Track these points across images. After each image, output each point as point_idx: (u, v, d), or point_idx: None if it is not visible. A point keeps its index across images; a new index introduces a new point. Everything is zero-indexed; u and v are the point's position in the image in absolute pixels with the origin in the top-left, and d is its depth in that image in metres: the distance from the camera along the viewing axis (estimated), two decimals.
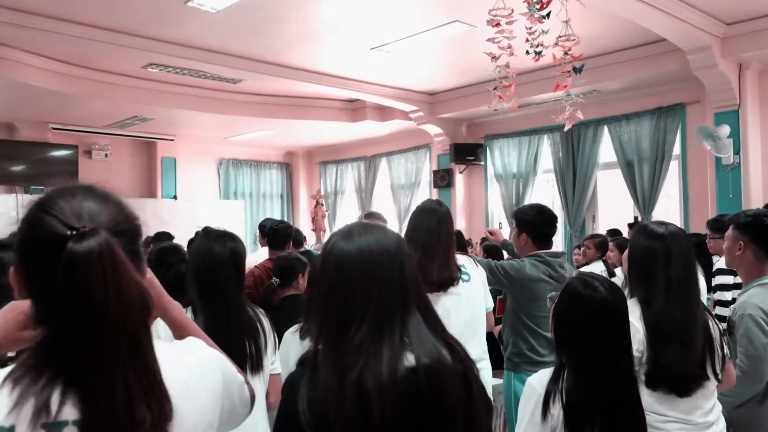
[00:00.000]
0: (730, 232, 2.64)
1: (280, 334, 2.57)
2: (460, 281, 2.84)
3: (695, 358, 2.05)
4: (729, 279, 4.00)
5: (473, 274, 2.96)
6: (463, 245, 5.34)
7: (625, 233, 6.63)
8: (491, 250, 5.57)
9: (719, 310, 3.85)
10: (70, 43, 6.27)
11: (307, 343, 2.25)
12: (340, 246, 1.30)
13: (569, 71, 4.74)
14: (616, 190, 8.23)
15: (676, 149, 7.63)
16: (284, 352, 2.54)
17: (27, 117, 9.08)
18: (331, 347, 1.23)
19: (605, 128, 8.17)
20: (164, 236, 5.88)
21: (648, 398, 2.04)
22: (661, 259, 2.13)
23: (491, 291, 3.19)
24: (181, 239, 5.10)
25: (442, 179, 9.84)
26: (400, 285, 1.27)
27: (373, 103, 9.32)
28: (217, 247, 2.28)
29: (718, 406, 2.18)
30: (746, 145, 6.61)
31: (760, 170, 6.77)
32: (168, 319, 1.31)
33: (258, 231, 4.97)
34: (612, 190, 8.40)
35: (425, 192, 10.47)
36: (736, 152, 6.56)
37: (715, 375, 2.10)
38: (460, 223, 9.34)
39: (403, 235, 2.43)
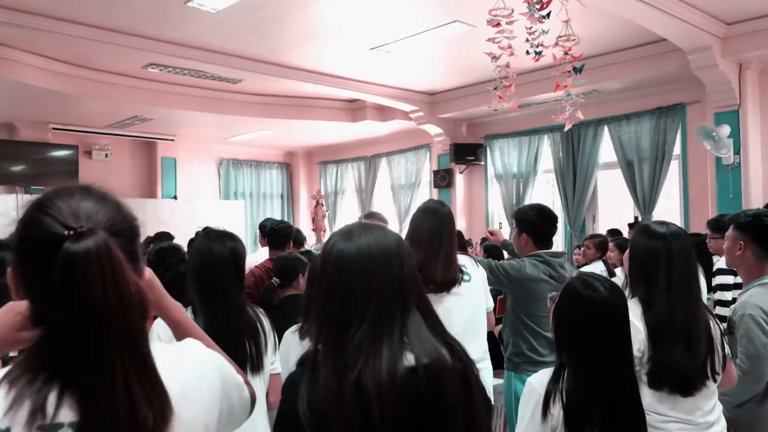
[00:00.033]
0: (730, 232, 2.64)
1: (280, 334, 2.57)
2: (462, 281, 2.84)
3: (699, 358, 2.05)
4: (729, 279, 4.00)
5: (474, 274, 2.96)
6: (464, 245, 5.35)
7: (626, 233, 6.64)
8: (491, 250, 5.58)
9: (719, 310, 3.84)
10: (70, 43, 6.27)
11: (306, 343, 2.25)
12: (340, 246, 1.30)
13: (569, 71, 4.74)
14: (617, 190, 8.23)
15: (677, 149, 7.63)
16: (284, 352, 2.54)
17: (27, 117, 9.08)
18: (331, 347, 1.23)
19: (605, 128, 8.17)
20: (164, 236, 5.88)
21: (649, 398, 2.04)
22: (663, 259, 2.13)
23: (491, 291, 3.19)
24: (182, 239, 5.11)
25: (443, 179, 9.84)
26: (400, 285, 1.27)
27: (373, 103, 9.32)
28: (217, 247, 2.28)
29: (719, 406, 2.18)
30: (746, 145, 6.61)
31: (761, 170, 6.77)
32: (169, 319, 1.31)
33: (258, 231, 4.97)
34: (612, 190, 8.40)
35: (425, 192, 10.47)
36: (737, 152, 6.56)
37: (714, 374, 2.10)
38: (460, 223, 9.33)
39: (404, 235, 2.43)
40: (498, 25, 4.36)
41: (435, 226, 2.80)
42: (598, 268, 5.70)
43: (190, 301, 2.24)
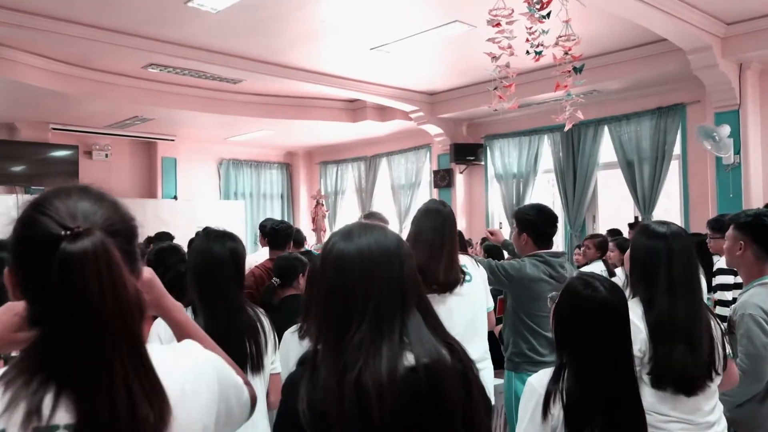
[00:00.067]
0: (730, 231, 2.64)
1: (280, 334, 2.57)
2: (463, 282, 2.85)
3: (702, 358, 2.06)
4: (729, 279, 4.00)
5: (474, 274, 2.96)
6: (464, 245, 5.35)
7: (626, 233, 6.64)
8: (492, 250, 5.58)
9: (720, 310, 3.84)
10: (70, 43, 6.27)
11: (306, 343, 2.25)
12: (340, 246, 1.30)
13: (569, 71, 4.74)
14: (617, 190, 8.23)
15: (677, 149, 7.63)
16: (284, 352, 2.54)
17: (27, 117, 9.09)
18: (331, 347, 1.23)
19: (605, 128, 8.17)
20: (164, 236, 5.89)
21: (650, 398, 2.04)
22: (663, 259, 2.13)
23: (492, 291, 3.19)
24: (182, 239, 5.11)
25: (443, 179, 9.84)
26: (400, 285, 1.27)
27: (373, 103, 9.31)
28: (217, 247, 2.28)
29: (720, 406, 2.18)
30: (746, 144, 6.61)
31: (761, 170, 6.77)
32: (170, 320, 1.31)
33: (258, 231, 4.97)
34: (612, 190, 8.40)
35: (425, 192, 10.47)
36: (737, 152, 6.56)
37: (714, 374, 2.10)
38: (460, 224, 9.28)
39: (405, 235, 2.43)
40: (498, 25, 4.36)
41: (437, 227, 2.80)
42: (598, 268, 5.70)
43: (190, 301, 2.24)
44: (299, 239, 5.16)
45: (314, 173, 12.70)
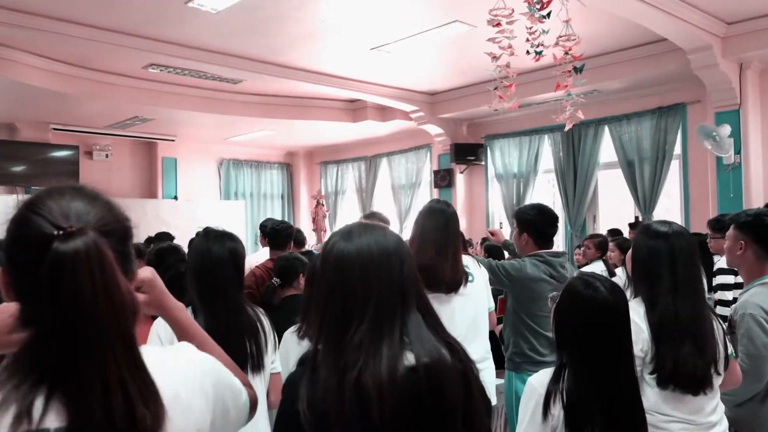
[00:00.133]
0: (731, 231, 2.64)
1: (280, 334, 2.57)
2: (466, 282, 2.85)
3: (708, 357, 2.06)
4: (730, 279, 4.00)
5: (477, 274, 2.97)
6: (464, 246, 5.34)
7: (626, 233, 6.64)
8: (492, 250, 5.58)
9: (720, 310, 3.85)
10: (70, 43, 6.27)
11: (306, 343, 2.25)
12: (340, 246, 1.30)
13: (570, 71, 4.73)
14: (617, 189, 8.23)
15: (677, 149, 7.63)
16: (284, 352, 2.54)
17: (27, 117, 9.09)
18: (331, 347, 1.23)
19: (606, 128, 8.17)
20: (165, 236, 5.89)
21: (652, 398, 2.04)
22: (666, 258, 2.13)
23: (492, 290, 3.20)
24: (182, 239, 5.12)
25: (443, 179, 9.84)
26: (400, 285, 1.27)
27: (374, 103, 9.31)
28: (216, 247, 2.28)
29: (721, 406, 2.18)
30: (747, 144, 6.61)
31: (761, 170, 6.77)
32: (170, 319, 1.30)
33: (259, 231, 4.97)
34: (613, 189, 8.40)
35: (426, 192, 10.46)
36: (737, 152, 6.56)
37: (716, 374, 2.10)
38: (460, 224, 9.31)
39: (405, 235, 2.43)
40: (498, 25, 4.35)
41: (442, 227, 2.81)
42: (598, 268, 5.70)
43: (190, 301, 2.24)
44: (300, 239, 5.16)
45: (314, 173, 12.70)
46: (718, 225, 4.32)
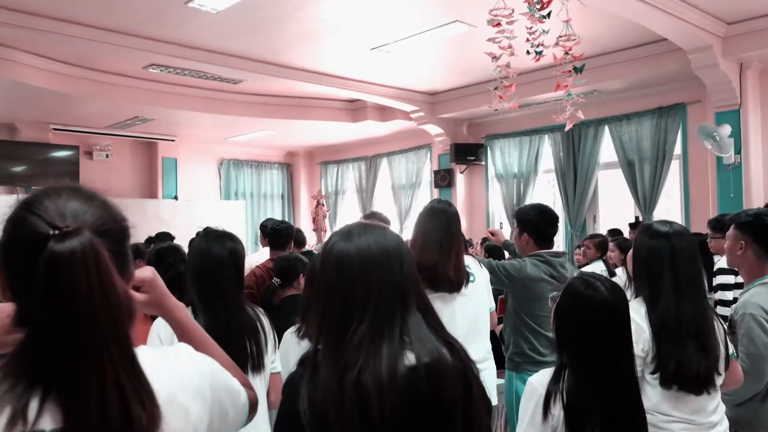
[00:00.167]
0: (731, 231, 2.63)
1: (280, 334, 2.57)
2: (468, 282, 2.86)
3: (712, 357, 2.06)
4: (730, 279, 4.00)
5: (478, 275, 2.98)
6: (465, 245, 5.34)
7: (626, 233, 6.64)
8: (492, 250, 5.57)
9: (721, 310, 3.84)
10: (70, 43, 6.27)
11: (306, 343, 2.25)
12: (340, 246, 1.30)
13: (570, 71, 4.73)
14: (617, 189, 8.23)
15: (677, 149, 7.62)
16: (284, 352, 2.54)
17: (28, 117, 9.09)
18: (331, 347, 1.23)
19: (606, 128, 8.17)
20: (165, 236, 5.89)
21: (653, 398, 2.04)
22: (667, 258, 2.13)
23: (492, 290, 3.19)
24: (182, 239, 5.11)
25: (443, 179, 9.84)
26: (400, 285, 1.27)
27: (374, 103, 9.31)
28: (216, 247, 2.28)
29: (722, 407, 2.18)
30: (747, 144, 6.61)
31: (761, 170, 6.76)
32: (171, 319, 1.30)
33: (259, 231, 4.97)
34: (613, 189, 8.40)
35: (426, 192, 10.46)
36: (737, 152, 6.55)
37: (718, 374, 2.10)
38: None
39: (404, 235, 2.44)
40: (498, 24, 4.35)
41: (444, 226, 2.81)
42: (598, 268, 5.70)
43: (190, 301, 2.24)
44: (300, 239, 5.16)
45: (315, 173, 12.70)
46: (719, 225, 4.32)
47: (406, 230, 9.79)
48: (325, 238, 1.43)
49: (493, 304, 3.15)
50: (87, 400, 0.85)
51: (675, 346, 2.03)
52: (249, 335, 2.25)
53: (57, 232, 0.88)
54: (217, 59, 7.02)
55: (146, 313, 1.33)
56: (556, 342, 1.81)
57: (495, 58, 4.63)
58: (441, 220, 2.82)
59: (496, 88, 4.91)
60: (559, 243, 8.23)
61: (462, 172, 9.84)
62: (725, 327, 2.27)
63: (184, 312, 1.33)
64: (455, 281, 2.77)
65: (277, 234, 4.23)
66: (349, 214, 11.59)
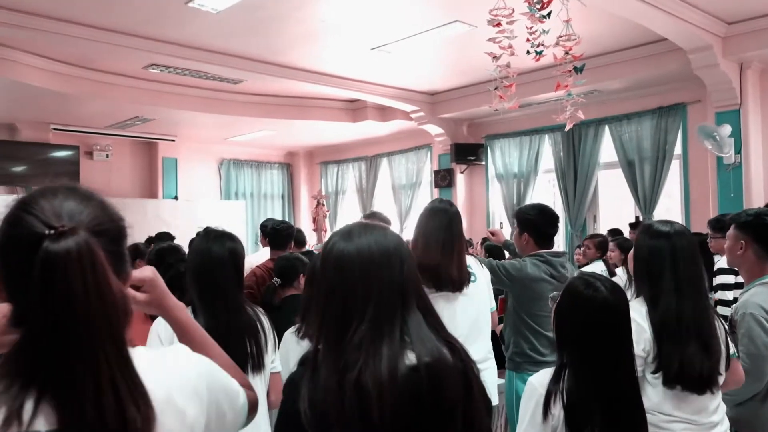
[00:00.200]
0: (731, 231, 2.63)
1: (280, 334, 2.57)
2: (469, 282, 2.86)
3: (714, 356, 2.06)
4: (730, 278, 4.00)
5: (479, 275, 2.98)
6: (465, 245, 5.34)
7: (626, 233, 6.63)
8: (493, 250, 5.58)
9: (721, 310, 3.84)
10: (70, 43, 6.27)
11: (306, 343, 2.25)
12: (340, 246, 1.30)
13: (570, 71, 4.73)
14: (617, 189, 8.23)
15: (678, 149, 7.62)
16: (284, 352, 2.54)
17: (28, 117, 9.09)
18: (331, 347, 1.23)
19: (606, 128, 8.17)
20: (165, 236, 5.89)
21: (654, 398, 2.04)
22: (668, 258, 2.13)
23: (493, 290, 3.20)
24: (182, 239, 5.11)
25: (443, 179, 9.84)
26: (400, 285, 1.27)
27: (374, 103, 9.31)
28: (216, 247, 2.29)
29: (723, 406, 2.18)
30: (747, 144, 6.61)
31: (762, 169, 6.76)
32: (171, 319, 1.30)
33: (259, 231, 4.97)
34: (613, 189, 8.40)
35: (426, 192, 10.46)
36: (738, 152, 6.55)
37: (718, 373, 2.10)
38: None
39: (404, 235, 2.43)
40: (498, 24, 4.35)
41: (446, 226, 2.82)
42: (598, 267, 5.70)
43: (190, 301, 2.24)
44: (301, 239, 5.16)
45: (315, 173, 12.70)
46: (719, 225, 4.32)
47: (406, 230, 9.79)
48: (326, 238, 1.43)
49: (494, 304, 3.15)
50: (82, 401, 0.85)
51: (676, 346, 2.03)
52: (249, 335, 2.25)
53: (53, 231, 0.88)
54: (217, 59, 7.02)
55: (146, 312, 1.33)
56: (556, 342, 1.81)
57: (495, 58, 4.63)
58: (442, 220, 2.83)
59: (496, 88, 4.91)
60: (560, 243, 8.23)
61: (462, 172, 9.84)
62: (726, 326, 2.27)
63: (185, 312, 1.33)
64: (458, 281, 2.77)
65: (277, 234, 4.23)
66: (349, 214, 11.59)
